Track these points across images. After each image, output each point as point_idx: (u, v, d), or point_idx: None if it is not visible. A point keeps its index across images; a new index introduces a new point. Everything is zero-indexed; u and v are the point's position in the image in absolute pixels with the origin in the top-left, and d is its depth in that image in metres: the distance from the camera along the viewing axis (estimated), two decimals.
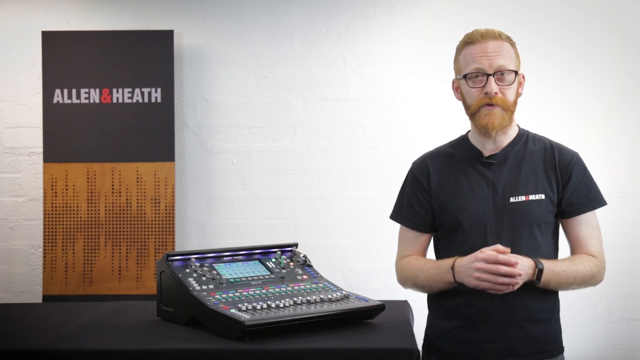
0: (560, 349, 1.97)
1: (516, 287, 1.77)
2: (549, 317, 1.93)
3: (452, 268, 1.85)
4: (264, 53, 3.82)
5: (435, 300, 2.01)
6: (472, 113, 1.93)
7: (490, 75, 1.87)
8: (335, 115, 3.80)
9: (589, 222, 1.94)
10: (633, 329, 3.68)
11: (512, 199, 1.91)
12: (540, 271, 1.80)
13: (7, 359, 1.63)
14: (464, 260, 1.82)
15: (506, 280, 1.75)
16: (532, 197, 1.91)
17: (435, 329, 2.01)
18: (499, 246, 1.79)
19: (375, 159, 3.78)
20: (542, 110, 3.63)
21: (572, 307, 3.54)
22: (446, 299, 1.95)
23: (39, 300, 3.70)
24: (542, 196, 1.91)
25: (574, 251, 1.96)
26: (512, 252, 1.83)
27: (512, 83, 1.90)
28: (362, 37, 3.79)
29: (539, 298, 1.89)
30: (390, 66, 3.78)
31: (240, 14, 3.83)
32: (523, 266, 1.78)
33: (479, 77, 1.89)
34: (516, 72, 1.91)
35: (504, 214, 1.91)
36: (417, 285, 2.00)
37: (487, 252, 1.78)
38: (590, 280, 1.91)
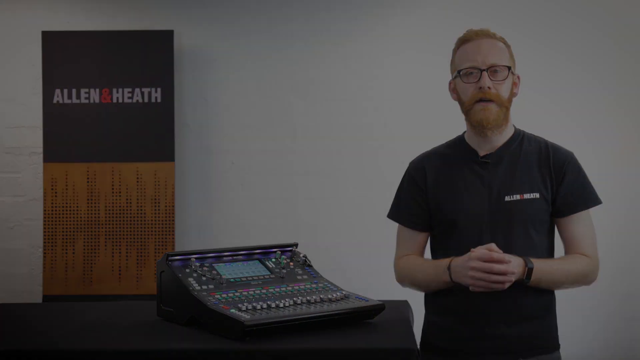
0: (556, 345, 1.98)
1: (507, 285, 1.78)
2: (543, 314, 1.94)
3: (449, 268, 1.86)
4: (264, 53, 3.82)
5: (432, 297, 2.03)
6: (467, 110, 1.94)
7: (483, 70, 1.90)
8: (335, 115, 3.80)
9: (582, 222, 1.95)
10: (633, 329, 3.68)
11: (506, 198, 1.92)
12: (530, 270, 1.81)
13: (7, 359, 1.63)
14: (459, 260, 1.84)
15: (500, 278, 1.76)
16: (526, 196, 1.92)
17: (432, 325, 2.03)
18: (492, 245, 1.80)
19: (375, 159, 3.78)
20: (541, 111, 3.63)
21: (571, 306, 3.54)
22: (442, 296, 1.96)
23: (39, 300, 3.70)
24: (537, 195, 1.92)
25: (567, 250, 1.97)
26: (506, 251, 1.83)
27: (506, 79, 1.92)
28: (362, 37, 3.79)
29: (533, 295, 1.89)
30: (390, 66, 3.78)
31: (240, 14, 3.83)
32: (514, 265, 1.79)
33: (473, 73, 1.92)
34: (509, 68, 1.92)
35: (499, 212, 1.92)
36: (415, 284, 2.02)
37: (481, 250, 1.79)
38: (582, 279, 1.92)
